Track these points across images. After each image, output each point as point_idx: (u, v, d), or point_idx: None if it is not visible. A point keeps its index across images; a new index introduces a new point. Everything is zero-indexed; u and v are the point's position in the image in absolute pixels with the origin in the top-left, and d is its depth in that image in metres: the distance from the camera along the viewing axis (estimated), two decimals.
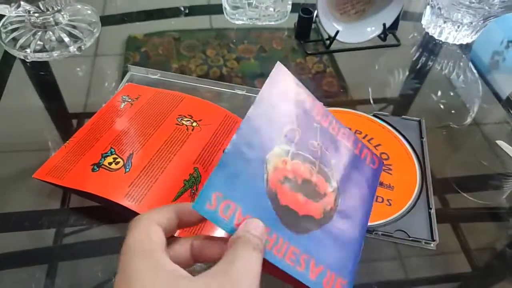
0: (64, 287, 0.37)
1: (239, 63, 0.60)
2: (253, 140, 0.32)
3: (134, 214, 0.33)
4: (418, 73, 0.60)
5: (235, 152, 0.30)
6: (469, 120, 0.55)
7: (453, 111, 0.55)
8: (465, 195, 0.46)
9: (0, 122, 0.50)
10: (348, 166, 0.37)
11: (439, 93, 0.57)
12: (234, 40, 0.62)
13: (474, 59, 0.62)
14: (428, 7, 0.62)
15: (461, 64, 0.61)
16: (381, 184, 0.44)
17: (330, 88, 0.57)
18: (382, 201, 0.43)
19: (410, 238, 0.40)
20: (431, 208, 0.42)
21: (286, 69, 0.36)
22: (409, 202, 0.43)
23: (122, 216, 0.37)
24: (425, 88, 0.58)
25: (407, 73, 0.60)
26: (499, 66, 0.63)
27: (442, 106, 0.56)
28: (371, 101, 0.55)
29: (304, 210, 0.32)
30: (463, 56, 0.62)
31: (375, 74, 0.61)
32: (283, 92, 0.35)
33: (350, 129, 0.40)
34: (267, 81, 0.34)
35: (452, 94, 0.57)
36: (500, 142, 0.51)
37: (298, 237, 0.31)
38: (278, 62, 0.35)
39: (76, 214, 0.42)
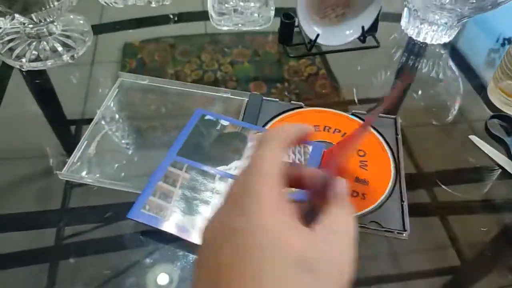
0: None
1: (233, 67, 0.62)
2: None
3: None
4: (398, 73, 0.63)
5: None
6: (447, 117, 0.57)
7: (432, 109, 0.58)
8: (439, 188, 0.48)
9: None
10: None
11: (419, 91, 0.60)
12: (227, 48, 0.65)
13: (452, 57, 0.65)
14: (405, 9, 0.65)
15: (440, 63, 0.64)
16: (357, 179, 0.47)
17: (321, 89, 0.59)
18: (357, 195, 0.45)
19: (383, 229, 0.43)
20: (403, 201, 0.45)
21: None
22: (383, 196, 0.45)
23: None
24: (404, 87, 0.61)
25: (388, 73, 0.63)
26: (478, 64, 0.66)
27: (421, 104, 0.58)
28: (356, 101, 0.58)
29: None
30: (441, 55, 0.65)
31: (360, 75, 0.63)
32: None
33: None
34: None
35: (431, 92, 0.60)
36: (473, 137, 0.53)
37: None
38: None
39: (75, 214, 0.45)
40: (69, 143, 0.51)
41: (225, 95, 0.56)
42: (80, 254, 0.42)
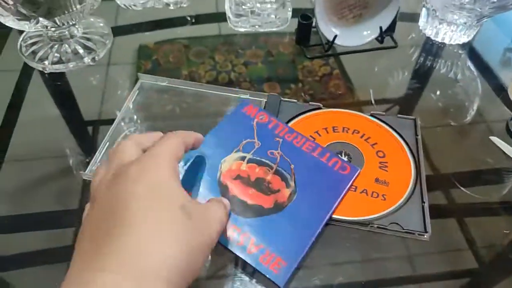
0: None
1: (247, 68, 0.63)
2: (214, 147, 0.47)
3: None
4: (416, 73, 0.63)
5: (200, 153, 0.46)
6: (465, 117, 0.57)
7: (450, 109, 0.57)
8: (459, 189, 0.48)
9: (19, 130, 0.54)
10: (311, 171, 0.46)
11: (437, 92, 0.59)
12: (241, 49, 0.66)
13: (471, 58, 0.64)
14: (424, 9, 0.65)
15: (458, 63, 0.63)
16: (377, 180, 0.47)
17: (336, 90, 0.59)
18: (377, 196, 0.45)
19: (404, 230, 0.43)
20: (424, 202, 0.44)
21: (251, 104, 0.52)
22: (404, 197, 0.45)
23: None
24: (422, 87, 0.61)
25: (405, 73, 0.62)
26: (497, 64, 0.65)
27: (439, 104, 0.58)
28: (373, 102, 0.58)
29: (254, 201, 0.44)
30: (460, 55, 0.64)
31: (376, 76, 0.63)
32: (246, 116, 0.51)
33: (317, 144, 0.49)
34: (233, 109, 0.52)
35: (449, 92, 0.59)
36: (494, 138, 0.53)
37: (243, 219, 0.42)
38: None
39: None
40: (90, 144, 0.52)
41: (243, 96, 0.57)
42: None
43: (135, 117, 0.55)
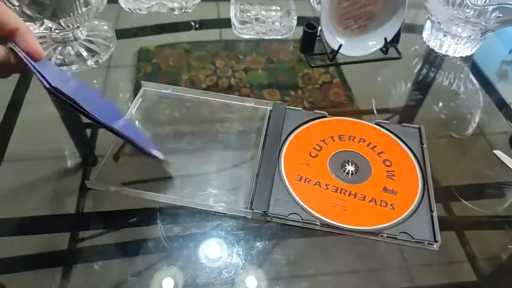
0: None
1: (247, 73, 0.63)
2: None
3: None
4: (419, 84, 0.63)
5: None
6: (468, 130, 0.57)
7: (452, 121, 0.57)
8: (462, 202, 0.48)
9: (19, 131, 0.53)
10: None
11: (440, 103, 0.60)
12: (242, 54, 0.65)
13: (474, 70, 0.65)
14: (428, 21, 0.65)
15: (461, 75, 0.64)
16: (385, 189, 0.46)
17: (336, 98, 0.59)
18: (386, 205, 0.45)
19: (414, 240, 0.42)
20: (433, 211, 0.44)
21: None
22: (412, 206, 0.45)
23: None
24: (425, 98, 0.61)
25: (408, 84, 0.63)
26: (500, 77, 0.66)
27: (442, 116, 0.58)
28: (375, 111, 0.58)
29: None
30: (463, 68, 0.65)
31: (378, 85, 0.63)
32: None
33: None
34: None
35: (451, 104, 0.60)
36: (498, 152, 0.53)
37: None
38: None
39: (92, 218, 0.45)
40: (89, 147, 0.52)
41: (248, 105, 0.56)
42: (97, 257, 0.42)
43: (139, 124, 0.54)
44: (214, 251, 0.42)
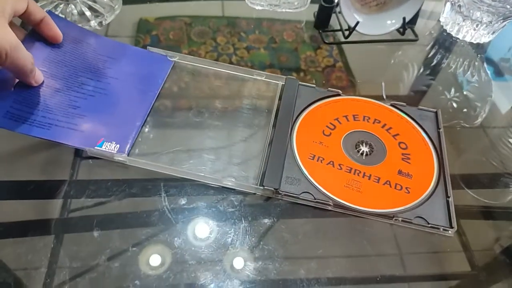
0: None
1: (249, 52, 0.60)
2: None
3: None
4: (434, 69, 0.61)
5: None
6: (477, 118, 0.55)
7: (463, 109, 0.55)
8: (476, 189, 0.47)
9: None
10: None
11: (452, 90, 0.58)
12: (243, 33, 0.63)
13: (490, 58, 0.63)
14: (448, 4, 0.63)
15: (476, 63, 0.62)
16: (400, 172, 0.45)
17: (339, 82, 0.57)
18: (401, 188, 0.43)
19: (429, 225, 0.41)
20: (449, 197, 0.43)
21: None
22: (428, 191, 0.43)
23: None
24: (439, 83, 0.59)
25: (422, 68, 0.61)
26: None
27: (453, 104, 0.56)
28: (384, 96, 0.56)
29: None
30: (480, 54, 0.63)
31: (390, 68, 0.61)
32: None
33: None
34: None
35: (464, 91, 0.58)
36: None
37: None
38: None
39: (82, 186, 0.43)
40: None
41: (259, 78, 0.54)
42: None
43: None
44: (221, 226, 0.41)
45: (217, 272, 0.37)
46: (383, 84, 0.57)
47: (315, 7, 0.63)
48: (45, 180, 0.43)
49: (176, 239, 0.39)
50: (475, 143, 0.52)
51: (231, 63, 0.58)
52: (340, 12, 0.61)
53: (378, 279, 0.39)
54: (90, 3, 0.58)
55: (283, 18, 0.65)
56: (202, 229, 0.40)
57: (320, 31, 0.64)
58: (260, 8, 0.65)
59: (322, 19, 0.63)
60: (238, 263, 0.38)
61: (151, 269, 0.37)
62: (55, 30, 0.47)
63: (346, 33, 0.62)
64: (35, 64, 0.42)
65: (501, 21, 0.58)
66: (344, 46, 0.62)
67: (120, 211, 0.41)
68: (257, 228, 0.41)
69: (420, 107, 0.51)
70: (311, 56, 0.61)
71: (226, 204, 0.42)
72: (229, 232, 0.40)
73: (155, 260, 0.38)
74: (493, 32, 0.61)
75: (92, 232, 0.39)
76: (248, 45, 0.61)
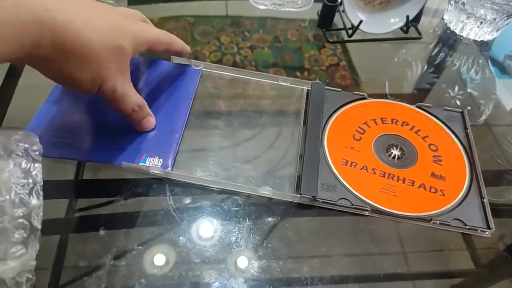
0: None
1: (253, 51, 0.59)
2: None
3: None
4: (438, 67, 0.60)
5: None
6: (482, 117, 0.55)
7: (467, 107, 0.54)
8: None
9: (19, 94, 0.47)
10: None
11: (456, 88, 0.57)
12: (247, 32, 0.61)
13: (494, 56, 0.63)
14: (452, 1, 0.63)
15: (480, 61, 0.62)
16: (433, 175, 0.44)
17: (343, 80, 0.56)
18: (436, 191, 0.43)
19: (467, 227, 0.40)
20: (484, 197, 0.42)
21: None
22: (462, 192, 0.43)
23: None
24: (443, 81, 0.58)
25: (426, 66, 0.60)
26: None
27: (457, 102, 0.55)
28: (387, 94, 0.55)
29: None
30: (483, 52, 0.63)
31: (394, 66, 0.60)
32: None
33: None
34: None
35: (468, 90, 0.57)
36: None
37: None
38: None
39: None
40: None
41: (284, 84, 0.52)
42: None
43: None
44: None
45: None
46: (386, 83, 0.56)
47: (319, 6, 0.62)
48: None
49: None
50: (488, 143, 0.52)
51: (234, 62, 0.56)
52: (343, 11, 0.60)
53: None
54: None
55: (286, 17, 0.64)
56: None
57: (324, 30, 0.62)
58: (263, 7, 0.63)
59: (326, 18, 0.62)
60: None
61: (157, 268, 0.36)
62: (182, 45, 0.47)
63: (350, 32, 0.61)
64: None
65: (505, 18, 0.59)
66: (348, 45, 0.61)
67: (126, 210, 0.40)
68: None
69: (445, 107, 0.51)
70: (315, 55, 0.59)
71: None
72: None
73: (160, 259, 0.37)
74: (497, 30, 0.62)
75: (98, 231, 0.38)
76: (252, 44, 0.59)
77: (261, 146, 0.46)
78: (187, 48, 0.48)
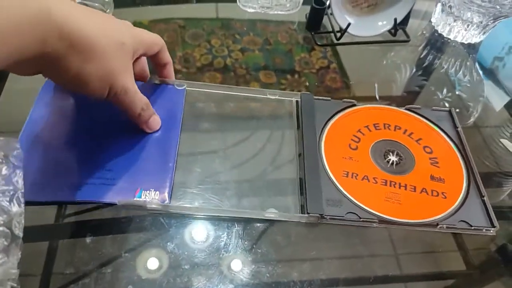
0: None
1: (244, 54, 0.58)
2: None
3: None
4: (426, 69, 0.60)
5: None
6: (469, 118, 0.55)
7: (456, 110, 0.54)
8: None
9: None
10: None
11: (444, 90, 0.57)
12: (237, 35, 0.60)
13: (481, 58, 0.64)
14: (439, 4, 0.64)
15: (467, 63, 0.62)
16: (432, 177, 0.44)
17: (334, 83, 0.56)
18: (438, 194, 0.42)
19: (473, 227, 0.40)
20: (483, 196, 0.42)
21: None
22: (462, 193, 0.43)
23: None
24: (431, 84, 0.58)
25: (414, 68, 0.60)
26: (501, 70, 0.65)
27: (446, 104, 0.56)
28: (377, 97, 0.55)
29: None
30: (470, 55, 0.63)
31: (383, 69, 0.60)
32: None
33: None
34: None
35: (456, 91, 0.58)
36: (505, 141, 0.51)
37: None
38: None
39: None
40: None
41: (272, 97, 0.51)
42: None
43: None
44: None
45: None
46: (376, 85, 0.56)
47: (307, 9, 0.62)
48: None
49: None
50: (478, 142, 0.52)
51: (225, 65, 0.55)
52: (331, 14, 0.59)
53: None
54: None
55: (276, 20, 0.63)
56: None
57: (312, 33, 0.62)
58: (252, 10, 0.62)
59: (314, 21, 0.62)
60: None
61: (145, 275, 0.35)
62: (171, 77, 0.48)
63: (338, 34, 0.61)
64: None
65: (492, 21, 0.60)
66: (338, 47, 0.61)
67: (112, 216, 0.38)
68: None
69: (434, 107, 0.51)
70: (305, 57, 0.59)
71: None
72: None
73: (149, 265, 0.36)
74: (484, 32, 0.63)
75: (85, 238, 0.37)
76: (243, 47, 0.59)
77: (258, 166, 0.44)
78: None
